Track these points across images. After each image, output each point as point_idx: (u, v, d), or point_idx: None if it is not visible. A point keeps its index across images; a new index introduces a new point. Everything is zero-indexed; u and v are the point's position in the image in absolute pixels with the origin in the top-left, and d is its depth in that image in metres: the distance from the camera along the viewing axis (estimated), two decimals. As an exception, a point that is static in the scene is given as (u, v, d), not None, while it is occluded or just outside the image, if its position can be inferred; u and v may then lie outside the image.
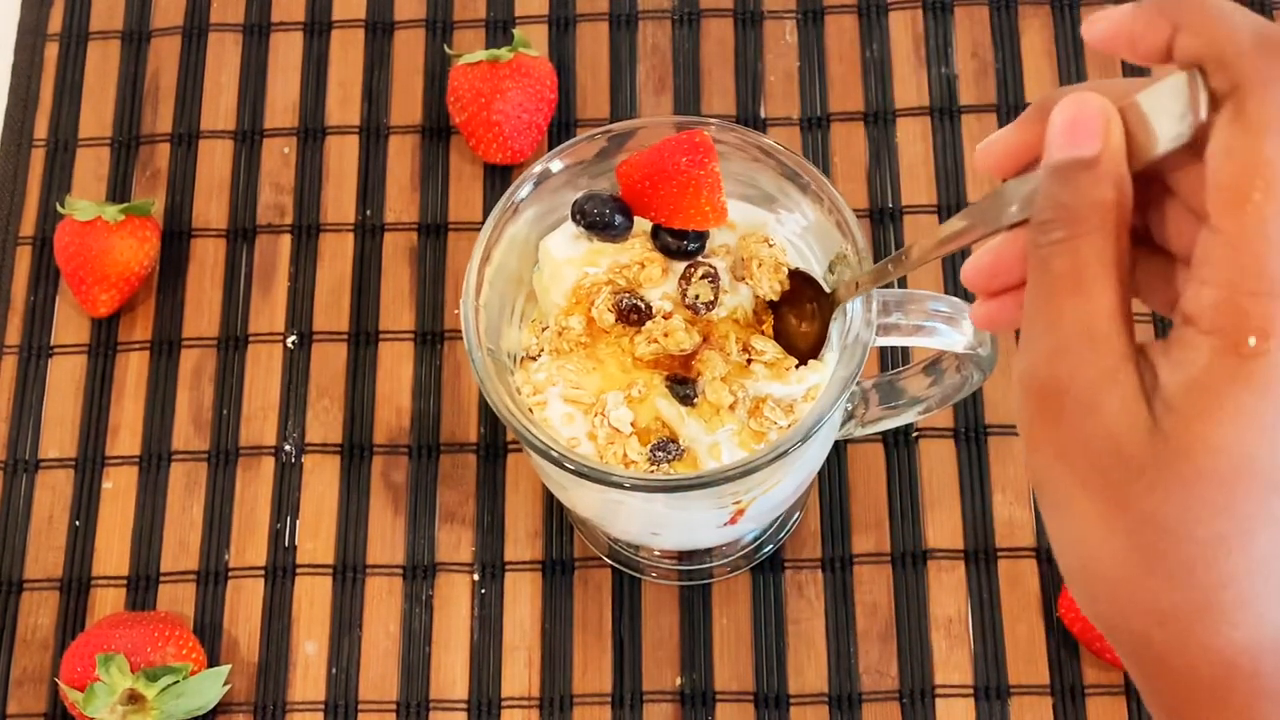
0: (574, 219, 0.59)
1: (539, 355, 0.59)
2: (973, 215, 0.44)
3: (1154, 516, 0.36)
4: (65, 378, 0.73)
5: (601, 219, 0.58)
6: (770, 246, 0.59)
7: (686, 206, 0.57)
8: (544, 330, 0.59)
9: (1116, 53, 0.39)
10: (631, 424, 0.57)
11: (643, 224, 0.60)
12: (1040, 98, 0.41)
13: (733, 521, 0.61)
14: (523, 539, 0.70)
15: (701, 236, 0.59)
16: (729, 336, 0.58)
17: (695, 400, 0.57)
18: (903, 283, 0.73)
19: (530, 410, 0.57)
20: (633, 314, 0.58)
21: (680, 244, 0.58)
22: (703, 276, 0.58)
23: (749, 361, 0.58)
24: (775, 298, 0.59)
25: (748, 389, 0.57)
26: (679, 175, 0.56)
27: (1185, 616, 0.37)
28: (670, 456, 0.56)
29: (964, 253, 0.74)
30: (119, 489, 0.71)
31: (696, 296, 0.58)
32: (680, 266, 0.59)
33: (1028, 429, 0.38)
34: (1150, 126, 0.38)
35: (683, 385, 0.57)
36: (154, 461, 0.72)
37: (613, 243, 0.59)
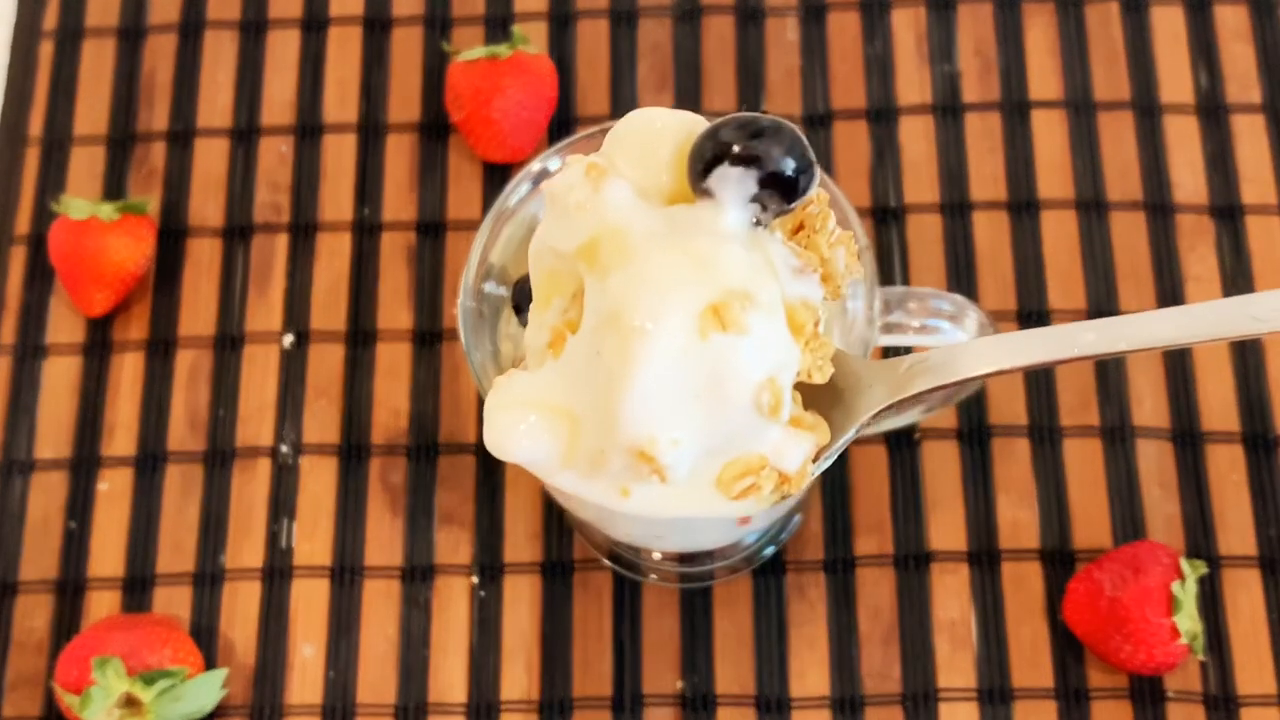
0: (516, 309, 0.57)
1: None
2: None
3: None
4: (60, 378, 0.73)
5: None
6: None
7: None
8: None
9: None
10: None
11: None
12: None
13: (744, 522, 0.60)
14: (522, 541, 0.70)
15: (809, 173, 0.47)
16: None
17: None
18: (905, 280, 0.73)
19: None
20: None
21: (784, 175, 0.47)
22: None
23: None
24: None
25: None
26: None
27: None
28: None
29: (966, 250, 0.74)
30: (114, 490, 0.71)
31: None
32: None
33: None
34: None
35: None
36: (150, 462, 0.71)
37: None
